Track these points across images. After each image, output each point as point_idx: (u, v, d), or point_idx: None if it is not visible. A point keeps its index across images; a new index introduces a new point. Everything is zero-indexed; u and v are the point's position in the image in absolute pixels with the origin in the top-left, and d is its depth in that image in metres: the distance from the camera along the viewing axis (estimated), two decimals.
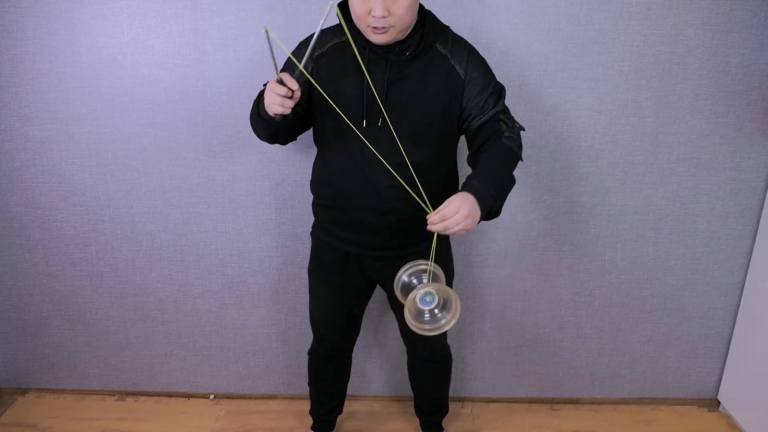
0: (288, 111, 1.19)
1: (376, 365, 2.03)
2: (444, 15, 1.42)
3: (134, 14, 1.64)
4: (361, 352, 1.97)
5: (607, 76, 1.69)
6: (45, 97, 1.72)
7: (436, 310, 1.24)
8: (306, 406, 1.85)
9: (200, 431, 1.91)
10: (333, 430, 1.85)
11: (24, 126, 1.75)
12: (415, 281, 1.28)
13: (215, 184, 1.81)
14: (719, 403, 2.03)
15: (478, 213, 1.16)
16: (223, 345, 2.01)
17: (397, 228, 1.40)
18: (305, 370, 1.76)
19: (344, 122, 1.30)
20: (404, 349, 1.73)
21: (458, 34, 1.38)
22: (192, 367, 2.04)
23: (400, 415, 2.00)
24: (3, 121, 1.75)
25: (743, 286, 1.91)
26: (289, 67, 1.38)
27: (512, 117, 1.35)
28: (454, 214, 1.13)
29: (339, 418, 1.85)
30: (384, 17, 1.19)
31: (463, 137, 1.42)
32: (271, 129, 1.31)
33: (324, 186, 1.44)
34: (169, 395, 2.08)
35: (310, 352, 1.72)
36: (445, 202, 1.15)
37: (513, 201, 1.81)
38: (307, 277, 1.61)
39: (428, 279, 1.26)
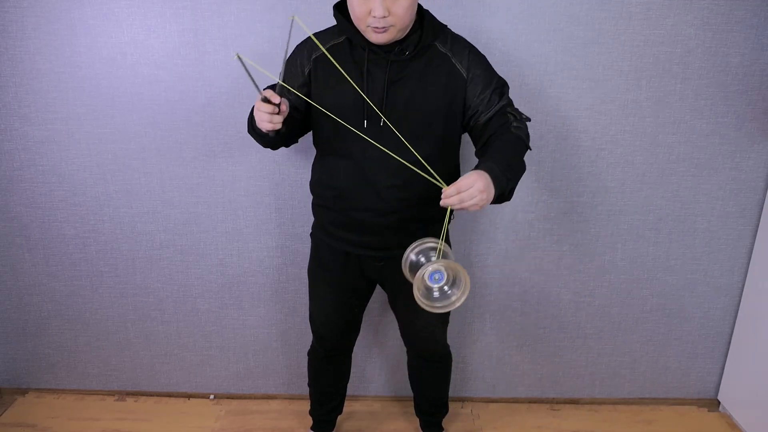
0: (278, 126, 1.20)
1: (376, 365, 2.03)
2: (444, 15, 1.42)
3: (134, 14, 1.64)
4: (361, 352, 1.97)
5: (607, 76, 1.69)
6: (45, 97, 1.72)
7: (446, 287, 1.21)
8: (306, 406, 1.85)
9: (200, 431, 1.91)
10: (333, 430, 1.85)
11: (24, 126, 1.75)
12: (423, 259, 1.25)
13: (215, 184, 1.81)
14: (719, 403, 2.03)
15: (492, 190, 1.14)
16: (223, 345, 2.01)
17: (397, 228, 1.40)
18: (305, 370, 1.76)
19: (343, 124, 1.30)
20: (404, 349, 1.73)
21: (458, 33, 1.38)
22: (192, 367, 2.04)
23: (400, 415, 1.99)
24: (3, 121, 1.75)
25: (743, 286, 1.91)
26: (285, 75, 1.39)
27: (517, 109, 1.35)
28: (469, 187, 1.11)
29: (339, 418, 1.85)
30: (384, 17, 1.19)
31: (465, 135, 1.42)
32: (269, 142, 1.33)
33: (324, 187, 1.44)
34: (169, 395, 2.08)
35: (309, 353, 1.72)
36: (461, 177, 1.14)
37: (513, 201, 1.80)
38: (307, 277, 1.61)
39: (438, 256, 1.22)
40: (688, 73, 1.69)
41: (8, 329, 2.00)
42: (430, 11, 1.35)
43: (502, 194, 1.20)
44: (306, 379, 1.77)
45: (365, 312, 1.66)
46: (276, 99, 1.16)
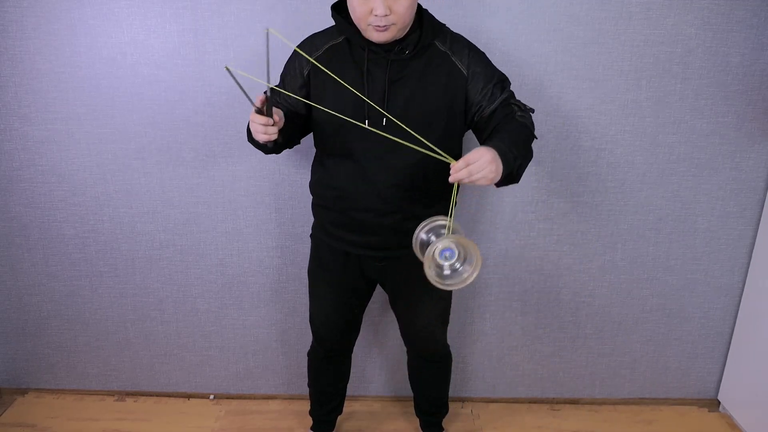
0: (274, 136, 1.20)
1: (376, 365, 2.03)
2: (444, 15, 1.42)
3: (134, 14, 1.64)
4: (361, 352, 1.97)
5: (607, 76, 1.69)
6: (45, 97, 1.72)
7: (457, 265, 1.17)
8: (306, 406, 1.84)
9: (200, 431, 1.91)
10: (333, 430, 1.85)
11: (24, 126, 1.75)
12: (433, 237, 1.21)
13: (215, 184, 1.81)
14: (719, 403, 2.03)
15: (500, 166, 1.13)
16: (223, 345, 2.01)
17: (398, 228, 1.40)
18: (305, 370, 1.76)
19: (345, 123, 1.30)
20: (404, 349, 1.73)
21: (457, 32, 1.38)
22: (192, 367, 2.04)
23: (400, 415, 1.99)
24: (3, 121, 1.75)
25: (743, 286, 1.91)
26: (284, 77, 1.40)
27: (520, 101, 1.35)
28: (477, 159, 1.10)
29: (339, 418, 1.85)
30: (386, 15, 1.19)
31: (468, 134, 1.42)
32: (269, 151, 1.34)
33: (324, 187, 1.44)
34: (169, 395, 2.08)
35: (309, 353, 1.72)
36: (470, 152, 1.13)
37: (513, 201, 1.81)
38: (306, 277, 1.61)
39: (447, 233, 1.18)
40: (688, 73, 1.69)
41: (8, 329, 2.00)
42: (430, 11, 1.35)
43: (510, 174, 1.18)
44: (306, 379, 1.77)
45: (365, 312, 1.66)
46: (266, 119, 1.17)
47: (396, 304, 1.59)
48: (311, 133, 1.46)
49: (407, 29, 1.27)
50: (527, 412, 2.03)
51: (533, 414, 2.01)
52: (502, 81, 1.34)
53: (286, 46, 1.17)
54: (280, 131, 1.23)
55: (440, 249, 1.14)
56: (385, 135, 1.23)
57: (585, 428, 1.95)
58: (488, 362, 2.02)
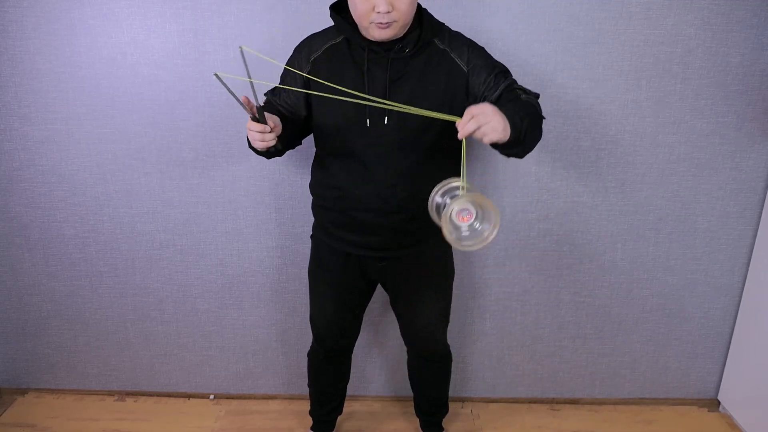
0: (272, 143, 1.20)
1: (376, 365, 2.03)
2: (444, 15, 1.42)
3: (134, 14, 1.64)
4: (361, 352, 1.97)
5: (607, 76, 1.69)
6: (45, 97, 1.72)
7: (476, 224, 1.13)
8: (306, 406, 1.84)
9: (200, 431, 1.91)
10: (333, 430, 1.85)
11: (24, 126, 1.75)
12: (448, 200, 1.16)
13: (215, 184, 1.81)
14: (719, 403, 2.03)
15: (506, 122, 1.10)
16: (223, 345, 2.01)
17: (399, 228, 1.40)
18: (305, 370, 1.76)
19: (346, 123, 1.30)
20: (404, 349, 1.73)
21: (456, 30, 1.38)
22: (192, 367, 2.04)
23: (400, 415, 1.99)
24: (3, 121, 1.75)
25: (743, 286, 1.91)
26: (284, 78, 1.40)
27: (523, 86, 1.33)
28: (481, 110, 1.08)
29: (339, 418, 1.85)
30: (388, 12, 1.19)
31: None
32: (271, 155, 1.33)
33: (324, 188, 1.44)
34: (169, 395, 2.08)
35: (309, 353, 1.72)
36: None
37: (513, 201, 1.81)
38: (306, 277, 1.61)
39: (462, 186, 1.14)
40: (688, 73, 1.69)
41: (8, 329, 2.00)
42: (430, 11, 1.35)
43: (518, 139, 1.15)
44: (306, 379, 1.77)
45: (365, 312, 1.66)
46: (262, 127, 1.17)
47: (396, 303, 1.59)
48: (311, 134, 1.45)
49: (407, 27, 1.27)
50: (527, 412, 2.03)
51: (533, 414, 2.01)
52: (504, 71, 1.33)
53: (280, 50, 1.17)
54: (279, 138, 1.23)
55: (456, 210, 1.10)
56: (389, 105, 1.21)
57: (585, 428, 1.95)
58: (488, 362, 2.02)
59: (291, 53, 1.40)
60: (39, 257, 1.90)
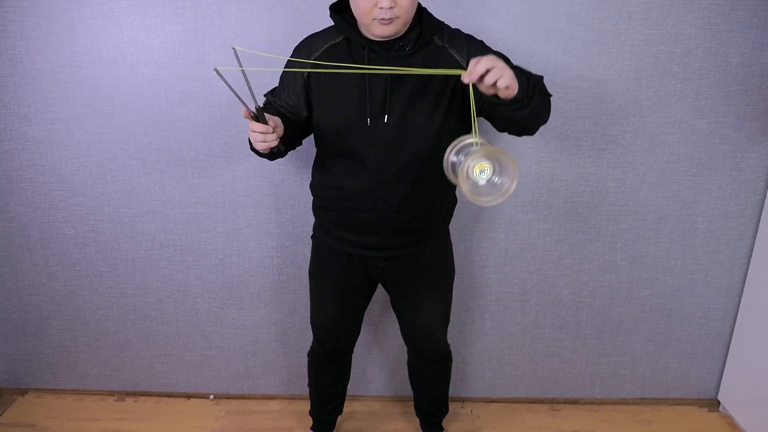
0: (274, 143, 1.20)
1: (376, 365, 2.03)
2: (444, 15, 1.42)
3: (134, 14, 1.64)
4: (361, 352, 1.97)
5: (607, 76, 1.69)
6: (45, 97, 1.72)
7: (495, 178, 1.10)
8: (306, 406, 1.84)
9: (200, 431, 1.91)
10: (333, 430, 1.85)
11: (24, 126, 1.75)
12: (463, 157, 1.13)
13: (215, 184, 1.81)
14: (719, 403, 2.03)
15: (510, 71, 1.08)
16: (223, 345, 2.01)
17: (400, 228, 1.40)
18: (305, 370, 1.76)
19: (346, 123, 1.30)
20: (404, 349, 1.73)
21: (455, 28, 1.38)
22: (192, 367, 2.04)
23: (400, 415, 1.99)
24: (3, 121, 1.75)
25: (743, 286, 1.91)
26: (282, 80, 1.40)
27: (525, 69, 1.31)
28: (482, 56, 1.07)
29: (339, 418, 1.85)
30: (391, 8, 1.19)
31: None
32: (274, 156, 1.33)
33: (325, 188, 1.44)
34: (169, 395, 2.08)
35: (309, 354, 1.72)
36: None
37: (513, 201, 1.81)
38: (306, 277, 1.61)
39: (476, 142, 1.11)
40: (688, 73, 1.69)
41: (8, 329, 2.00)
42: (431, 11, 1.35)
43: (526, 97, 1.13)
44: (306, 379, 1.77)
45: (365, 312, 1.66)
46: (264, 127, 1.17)
47: (397, 303, 1.59)
48: (311, 134, 1.45)
49: (408, 25, 1.27)
50: (527, 412, 2.03)
51: (533, 414, 2.01)
52: (506, 60, 1.32)
53: (280, 51, 1.16)
54: (281, 139, 1.23)
55: (472, 166, 1.08)
56: (392, 70, 1.21)
57: (585, 428, 1.95)
58: (488, 362, 2.02)
59: (291, 53, 1.41)
60: (39, 257, 1.90)
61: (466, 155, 1.12)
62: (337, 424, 1.85)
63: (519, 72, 1.16)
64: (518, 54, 1.66)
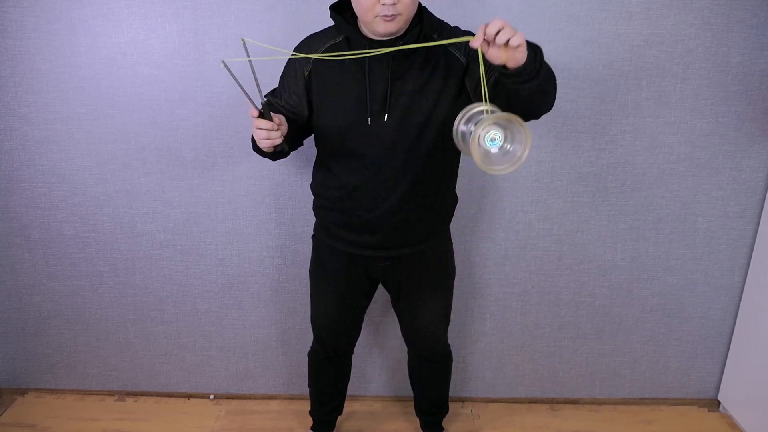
0: (278, 141, 1.21)
1: (376, 365, 2.03)
2: (444, 15, 1.42)
3: (134, 14, 1.64)
4: (361, 352, 1.97)
5: (607, 76, 1.69)
6: (45, 97, 1.72)
7: (507, 146, 1.07)
8: (306, 406, 1.84)
9: (200, 431, 1.91)
10: (333, 430, 1.84)
11: (24, 126, 1.75)
12: (473, 126, 1.10)
13: (215, 184, 1.81)
14: (719, 403, 2.03)
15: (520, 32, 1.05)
16: (223, 345, 2.01)
17: (401, 227, 1.40)
18: (305, 370, 1.76)
19: (346, 122, 1.30)
20: (404, 349, 1.73)
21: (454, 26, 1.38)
22: (192, 367, 2.04)
23: (400, 415, 1.99)
24: (3, 121, 1.75)
25: (743, 286, 1.91)
26: (282, 80, 1.40)
27: None
28: (495, 21, 1.04)
29: (339, 418, 1.85)
30: (394, 4, 1.19)
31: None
32: (276, 156, 1.33)
33: (326, 188, 1.44)
34: (169, 395, 2.08)
35: (310, 354, 1.72)
36: None
37: (513, 201, 1.81)
38: (307, 277, 1.61)
39: (485, 110, 1.08)
40: (688, 73, 1.69)
41: (8, 329, 2.00)
42: (431, 11, 1.35)
43: (533, 68, 1.11)
44: (306, 379, 1.77)
45: (366, 312, 1.66)
46: (270, 124, 1.17)
47: (397, 303, 1.59)
48: (311, 134, 1.45)
49: (409, 23, 1.27)
50: (527, 412, 2.03)
51: (533, 414, 2.01)
52: None
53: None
54: (284, 138, 1.23)
55: (483, 135, 1.04)
56: (393, 48, 1.20)
57: (585, 428, 1.95)
58: (488, 362, 2.02)
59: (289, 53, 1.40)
60: (39, 257, 1.90)
61: (476, 123, 1.08)
62: (337, 424, 1.85)
63: (528, 46, 1.10)
64: None
